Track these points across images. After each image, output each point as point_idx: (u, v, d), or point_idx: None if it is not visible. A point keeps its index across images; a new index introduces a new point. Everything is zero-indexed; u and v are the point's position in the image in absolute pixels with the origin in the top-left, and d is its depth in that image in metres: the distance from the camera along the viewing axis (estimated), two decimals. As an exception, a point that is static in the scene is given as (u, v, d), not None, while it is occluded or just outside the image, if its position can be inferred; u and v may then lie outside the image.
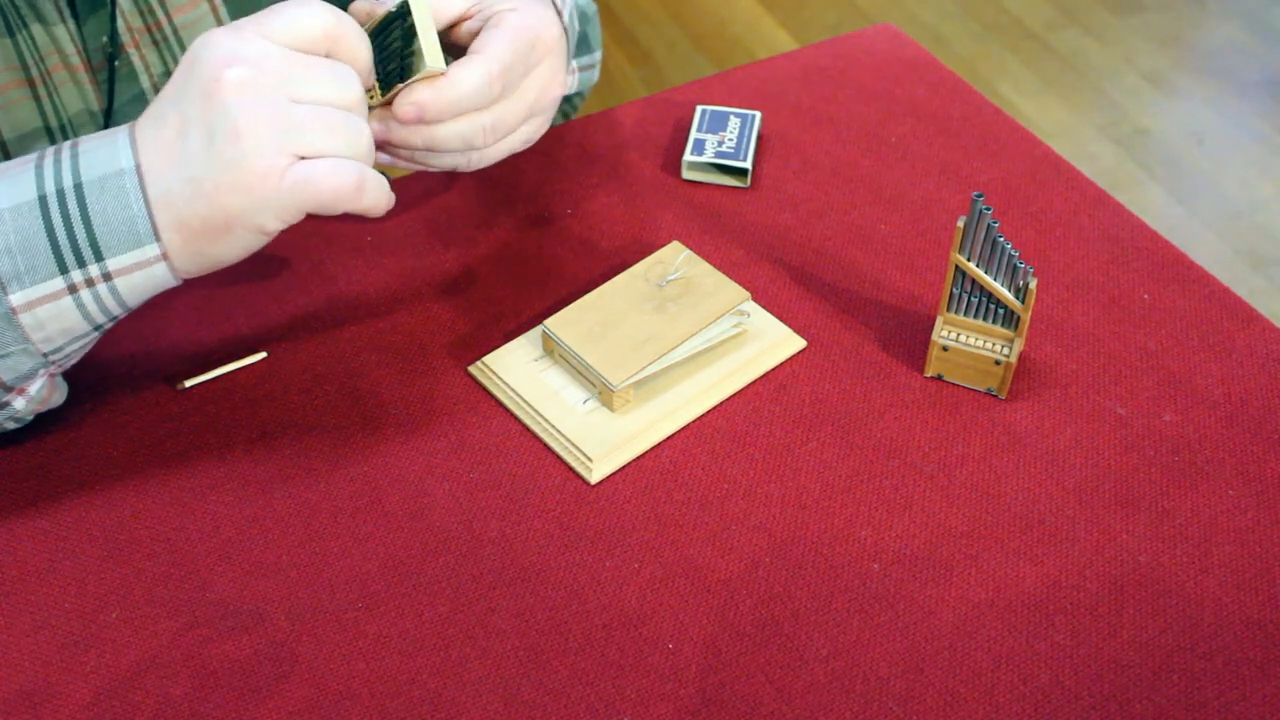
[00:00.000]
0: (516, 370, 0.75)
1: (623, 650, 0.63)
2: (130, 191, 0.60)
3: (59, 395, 0.69)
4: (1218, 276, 0.82)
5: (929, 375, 0.76)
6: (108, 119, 0.79)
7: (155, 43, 0.79)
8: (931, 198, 0.88)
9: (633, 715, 0.61)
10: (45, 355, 0.64)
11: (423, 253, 0.84)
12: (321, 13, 0.61)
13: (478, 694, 0.62)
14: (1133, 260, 0.83)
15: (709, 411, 0.74)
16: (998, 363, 0.73)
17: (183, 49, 0.81)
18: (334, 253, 0.83)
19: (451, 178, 0.89)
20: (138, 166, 0.60)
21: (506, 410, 0.74)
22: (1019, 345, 0.73)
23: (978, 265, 0.72)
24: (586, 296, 0.76)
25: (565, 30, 0.73)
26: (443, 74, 0.64)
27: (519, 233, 0.85)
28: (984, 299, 0.73)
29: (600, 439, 0.72)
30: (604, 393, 0.73)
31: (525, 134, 0.71)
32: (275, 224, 0.61)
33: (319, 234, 0.84)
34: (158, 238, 0.61)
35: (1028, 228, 0.86)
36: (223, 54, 0.59)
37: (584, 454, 0.71)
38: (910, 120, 0.94)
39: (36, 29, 0.74)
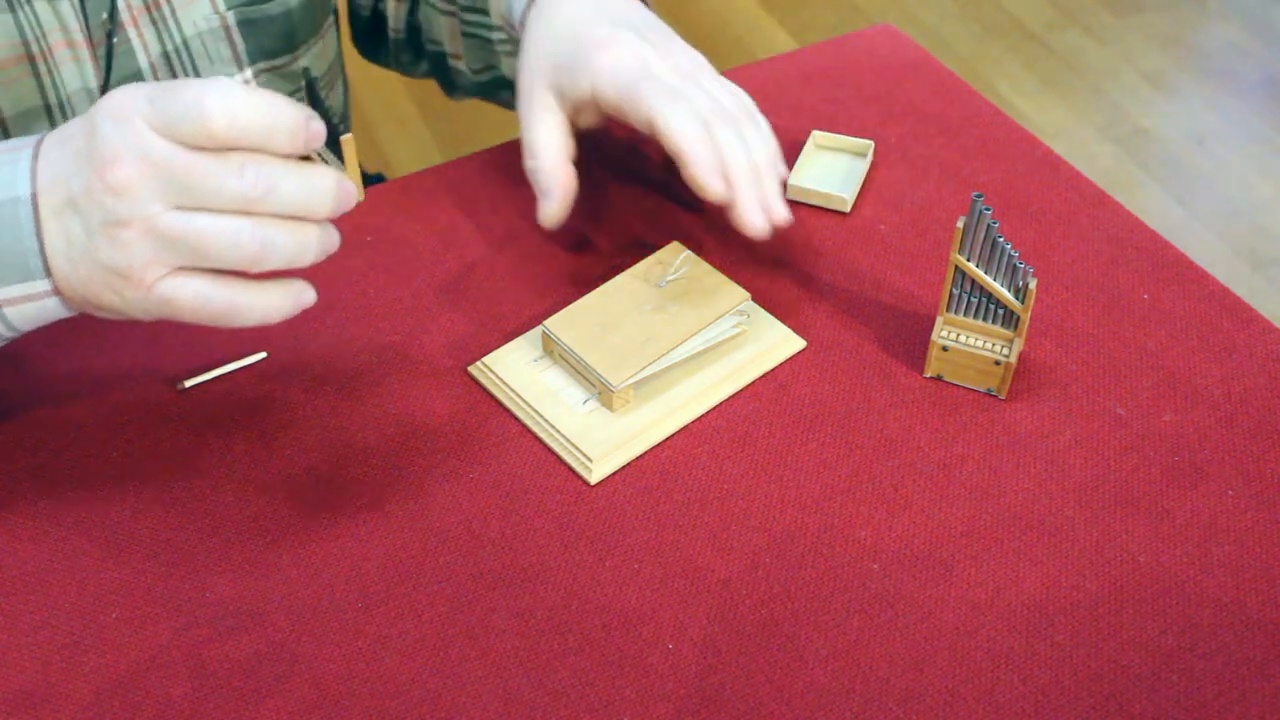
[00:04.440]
0: (516, 370, 0.75)
1: (622, 650, 0.63)
2: (23, 224, 0.57)
3: None
4: (1217, 276, 0.82)
5: (929, 375, 0.76)
6: None
7: (154, 22, 0.79)
8: (931, 198, 0.88)
9: (632, 715, 0.61)
10: None
11: (422, 253, 0.84)
12: (220, 104, 0.54)
13: (478, 694, 0.62)
14: (1133, 260, 0.83)
15: (709, 411, 0.74)
16: (997, 363, 0.73)
17: (180, 30, 0.81)
18: (334, 253, 0.83)
19: (449, 177, 0.89)
20: (34, 196, 0.57)
21: (506, 410, 0.74)
22: (1019, 345, 0.73)
23: (977, 265, 0.72)
24: (586, 297, 0.76)
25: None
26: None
27: (519, 233, 0.85)
28: (984, 299, 0.73)
29: (600, 439, 0.71)
30: (604, 393, 0.73)
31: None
32: (150, 319, 0.59)
33: (319, 234, 0.84)
34: (49, 274, 0.58)
35: (1028, 228, 0.86)
36: (108, 151, 0.55)
37: (584, 454, 0.71)
38: (910, 121, 0.94)
39: (40, 5, 0.74)
